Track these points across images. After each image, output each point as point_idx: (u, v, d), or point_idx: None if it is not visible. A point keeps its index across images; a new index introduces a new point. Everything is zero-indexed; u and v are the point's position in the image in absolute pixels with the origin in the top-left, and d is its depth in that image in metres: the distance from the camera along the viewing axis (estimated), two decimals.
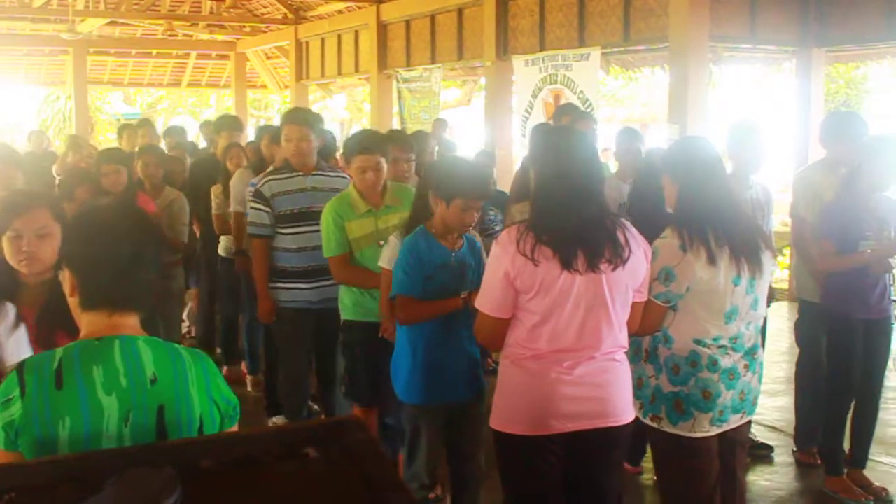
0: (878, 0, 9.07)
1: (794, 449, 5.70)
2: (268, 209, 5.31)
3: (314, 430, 1.83)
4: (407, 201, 4.62)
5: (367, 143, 4.85)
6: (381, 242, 4.60)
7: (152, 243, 2.27)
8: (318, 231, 4.98)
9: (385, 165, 4.80)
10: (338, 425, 1.81)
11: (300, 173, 5.34)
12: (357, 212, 4.77)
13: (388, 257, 4.27)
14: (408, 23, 14.22)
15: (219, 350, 7.69)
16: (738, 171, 5.32)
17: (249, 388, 7.18)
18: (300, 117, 5.49)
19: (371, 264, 4.63)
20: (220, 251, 7.16)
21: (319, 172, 5.41)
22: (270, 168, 5.85)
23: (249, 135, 11.24)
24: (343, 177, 5.43)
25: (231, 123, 8.26)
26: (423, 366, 3.97)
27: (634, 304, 3.29)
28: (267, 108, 31.83)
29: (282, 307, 5.43)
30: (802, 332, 5.58)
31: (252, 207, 5.41)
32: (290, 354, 5.57)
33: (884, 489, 5.18)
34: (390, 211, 4.79)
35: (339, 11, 15.86)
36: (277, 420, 6.00)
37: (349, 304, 4.86)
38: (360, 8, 15.13)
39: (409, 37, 14.24)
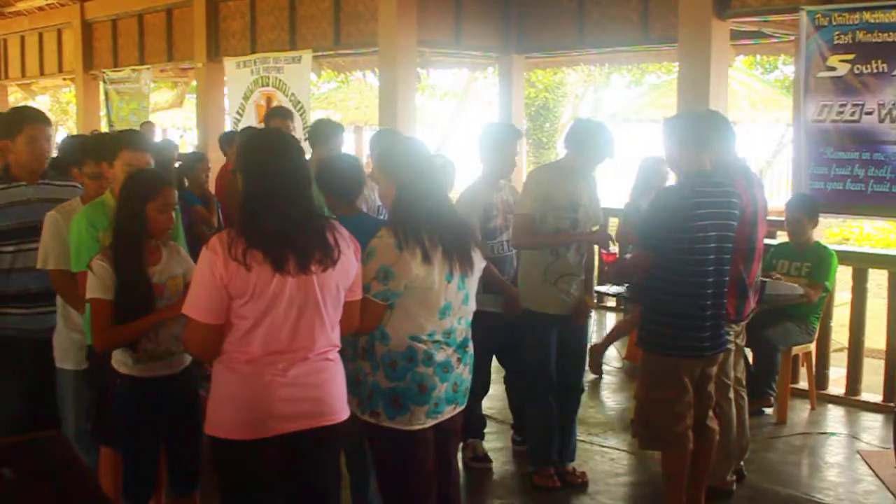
0: (571, 11, 9.76)
1: (532, 470, 5.46)
2: None
3: (8, 450, 1.73)
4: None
5: (137, 141, 4.38)
6: None
7: None
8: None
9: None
10: (33, 443, 1.73)
11: (23, 183, 4.63)
12: None
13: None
14: (114, 22, 13.77)
15: None
16: (489, 175, 5.45)
17: None
18: (42, 115, 4.81)
19: None
20: None
21: (47, 182, 4.73)
22: None
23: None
24: (74, 186, 4.80)
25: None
26: None
27: (349, 304, 3.34)
28: None
29: None
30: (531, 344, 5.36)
31: None
32: None
33: (582, 473, 5.47)
34: None
35: (40, 8, 15.13)
36: None
37: None
38: (62, 5, 14.49)
39: (117, 36, 13.79)
